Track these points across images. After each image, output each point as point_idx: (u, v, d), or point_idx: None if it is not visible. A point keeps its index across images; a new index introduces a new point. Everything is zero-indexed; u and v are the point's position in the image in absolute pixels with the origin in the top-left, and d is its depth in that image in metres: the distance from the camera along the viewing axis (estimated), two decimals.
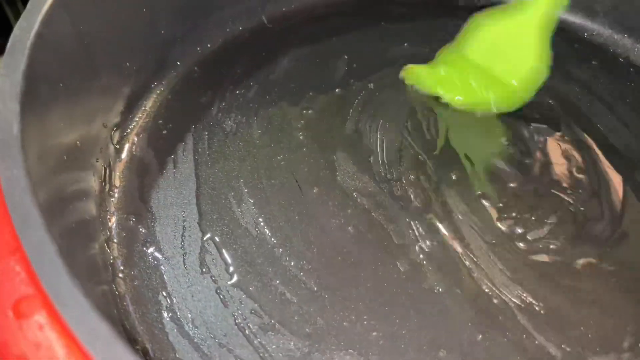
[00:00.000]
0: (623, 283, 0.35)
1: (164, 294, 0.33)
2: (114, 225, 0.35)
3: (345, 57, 0.48)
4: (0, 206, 0.23)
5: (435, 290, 0.34)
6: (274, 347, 0.31)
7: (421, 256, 0.35)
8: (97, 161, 0.36)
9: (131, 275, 0.33)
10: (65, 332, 0.18)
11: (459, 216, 0.37)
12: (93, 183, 0.35)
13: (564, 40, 0.50)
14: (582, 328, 0.33)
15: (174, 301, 0.32)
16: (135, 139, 0.40)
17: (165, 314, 0.32)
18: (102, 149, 0.37)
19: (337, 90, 0.45)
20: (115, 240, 0.34)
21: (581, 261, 0.36)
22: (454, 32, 0.48)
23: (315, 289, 0.34)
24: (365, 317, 0.33)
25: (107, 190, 0.36)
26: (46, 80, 0.28)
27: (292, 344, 0.31)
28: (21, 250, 0.20)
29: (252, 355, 0.31)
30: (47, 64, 0.28)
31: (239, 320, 0.32)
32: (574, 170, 0.41)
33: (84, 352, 0.18)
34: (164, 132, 0.41)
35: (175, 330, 0.31)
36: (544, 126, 0.43)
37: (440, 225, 0.37)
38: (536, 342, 0.32)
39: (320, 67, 0.47)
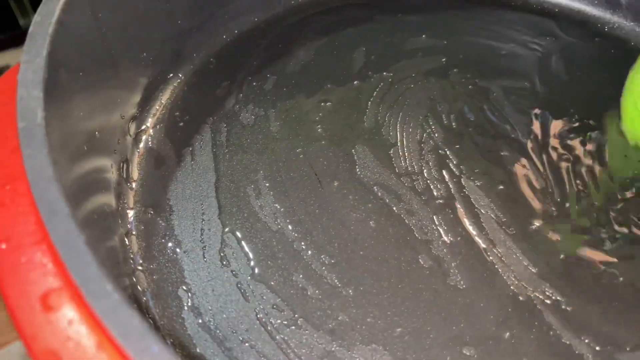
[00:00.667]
0: None
1: (184, 288, 0.32)
2: (133, 218, 0.34)
3: (363, 48, 0.47)
4: (22, 196, 0.23)
5: (460, 287, 0.33)
6: (296, 342, 0.30)
7: (444, 251, 0.35)
8: (115, 152, 0.36)
9: (150, 269, 0.32)
10: (96, 325, 0.18)
11: (482, 210, 0.37)
12: (111, 175, 0.34)
13: (585, 34, 0.49)
14: (611, 325, 0.32)
15: (194, 295, 0.32)
16: (152, 131, 0.39)
17: (185, 308, 0.31)
18: (120, 141, 0.36)
19: (355, 82, 0.44)
20: (134, 233, 0.34)
21: (609, 256, 0.35)
22: (470, 24, 0.47)
23: (337, 283, 0.33)
24: (388, 312, 0.32)
25: (125, 183, 0.35)
26: (67, 69, 0.27)
27: (315, 339, 0.31)
28: (47, 240, 0.19)
29: (275, 351, 0.30)
30: (67, 52, 0.27)
31: (261, 315, 0.31)
32: (595, 168, 0.40)
33: (117, 346, 0.17)
34: (181, 124, 0.40)
35: (196, 325, 0.31)
36: (561, 117, 0.42)
37: (463, 220, 0.36)
38: (564, 340, 0.31)
39: (338, 59, 0.46)
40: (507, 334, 0.32)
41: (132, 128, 0.38)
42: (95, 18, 0.31)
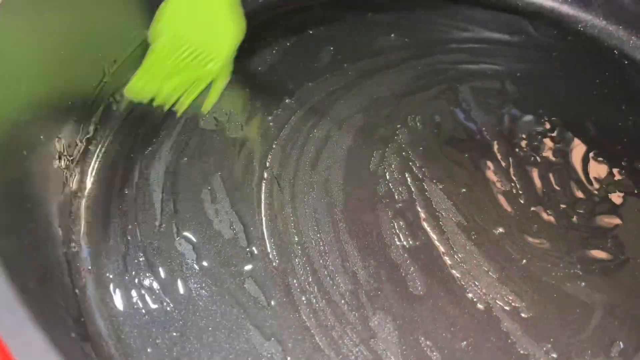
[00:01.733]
0: (613, 286, 0.33)
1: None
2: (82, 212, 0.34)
3: (331, 48, 0.46)
4: None
5: (417, 293, 0.33)
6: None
7: (404, 256, 0.34)
8: (63, 160, 0.35)
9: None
10: None
11: (444, 214, 0.36)
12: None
13: (558, 33, 0.48)
14: (569, 332, 0.31)
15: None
16: (107, 140, 0.38)
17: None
18: (71, 146, 0.36)
19: (320, 80, 0.43)
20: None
21: (569, 263, 0.34)
22: (441, 22, 0.47)
23: (291, 290, 0.32)
24: (342, 320, 0.31)
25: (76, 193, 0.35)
26: None
27: (265, 347, 0.30)
28: None
29: None
30: None
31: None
32: (564, 170, 0.39)
33: None
34: (140, 129, 0.39)
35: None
36: (531, 117, 0.41)
37: (423, 224, 0.35)
38: (522, 348, 0.31)
39: (305, 59, 0.45)
40: (464, 342, 0.31)
41: (86, 134, 0.37)
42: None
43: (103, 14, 0.37)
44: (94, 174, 0.36)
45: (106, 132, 0.38)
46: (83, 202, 0.35)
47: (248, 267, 0.33)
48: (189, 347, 0.30)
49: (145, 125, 0.39)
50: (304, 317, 0.31)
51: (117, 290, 0.32)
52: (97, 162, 0.37)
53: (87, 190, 0.36)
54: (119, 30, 0.40)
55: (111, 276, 0.32)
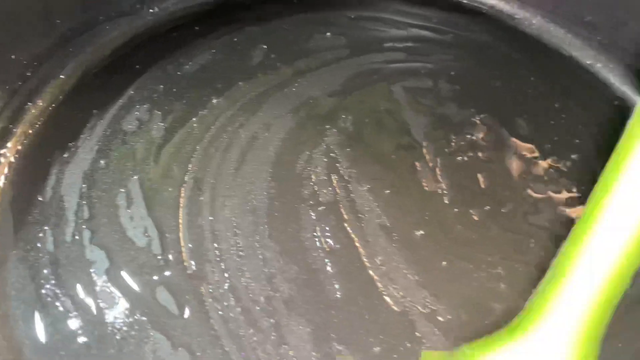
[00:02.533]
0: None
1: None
2: None
3: (264, 46, 0.45)
4: None
5: (335, 296, 0.32)
6: None
7: (325, 259, 0.33)
8: None
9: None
10: None
11: (366, 215, 0.35)
12: None
13: (492, 30, 0.48)
14: (487, 336, 0.31)
15: None
16: (25, 136, 0.37)
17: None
18: None
19: (252, 80, 0.42)
20: None
21: (491, 264, 0.34)
22: (375, 21, 0.46)
23: (204, 298, 0.31)
24: (255, 327, 0.31)
25: None
26: None
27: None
28: None
29: None
30: None
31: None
32: (492, 170, 0.39)
33: None
34: (58, 131, 0.38)
35: None
36: (462, 117, 0.41)
37: (345, 226, 0.35)
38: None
39: (237, 57, 0.44)
40: (378, 348, 0.30)
41: None
42: None
43: None
44: (6, 177, 0.35)
45: (20, 134, 0.37)
46: None
47: (161, 275, 0.32)
48: (94, 358, 0.29)
49: (63, 127, 0.38)
50: (216, 326, 0.30)
51: (22, 303, 0.31)
52: (10, 166, 0.36)
53: None
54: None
55: (17, 285, 0.31)
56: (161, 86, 0.41)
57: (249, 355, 0.30)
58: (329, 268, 0.33)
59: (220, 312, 0.31)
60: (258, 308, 0.31)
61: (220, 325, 0.30)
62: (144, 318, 0.30)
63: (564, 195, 0.37)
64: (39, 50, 0.39)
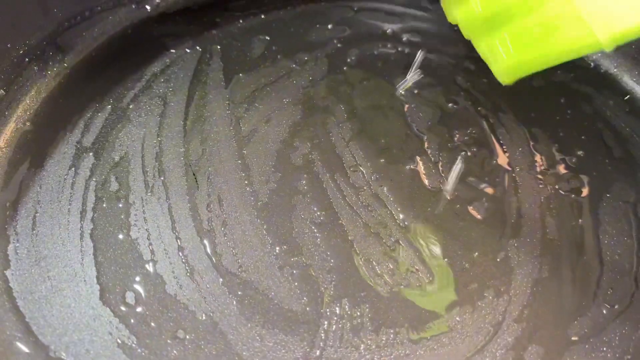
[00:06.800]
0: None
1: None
2: None
3: (266, 38, 0.44)
4: None
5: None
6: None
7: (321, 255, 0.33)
8: None
9: None
10: None
11: (362, 211, 0.35)
12: None
13: None
14: None
15: None
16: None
17: None
18: None
19: (251, 72, 0.41)
20: None
21: (492, 260, 0.33)
22: (379, 11, 0.45)
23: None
24: None
25: None
26: None
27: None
28: None
29: None
30: None
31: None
32: (493, 164, 0.38)
33: None
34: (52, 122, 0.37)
35: None
36: (467, 110, 0.40)
37: (342, 223, 0.34)
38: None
39: (237, 50, 0.43)
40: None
41: None
42: None
43: None
44: None
45: (12, 126, 0.36)
46: None
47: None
48: None
49: (59, 118, 0.37)
50: None
51: None
52: None
53: None
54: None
55: None
56: (159, 77, 0.40)
57: None
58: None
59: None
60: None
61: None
62: None
63: (571, 190, 0.37)
64: (35, 40, 0.38)
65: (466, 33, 0.33)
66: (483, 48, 0.33)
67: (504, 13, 0.31)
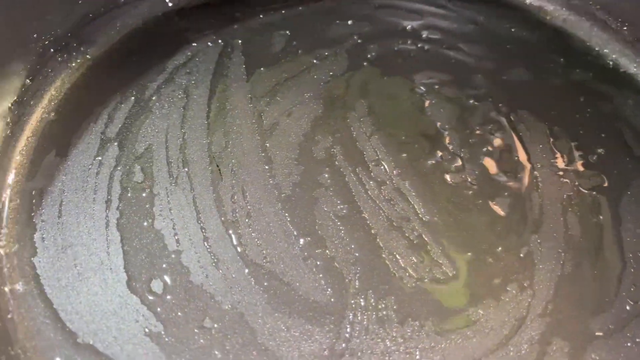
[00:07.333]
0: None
1: None
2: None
3: (287, 33, 0.45)
4: None
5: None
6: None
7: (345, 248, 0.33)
8: None
9: None
10: None
11: (384, 205, 0.35)
12: None
13: (522, 23, 0.47)
14: None
15: None
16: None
17: None
18: None
19: (272, 67, 0.42)
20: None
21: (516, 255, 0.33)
22: (395, 10, 0.45)
23: None
24: None
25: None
26: None
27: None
28: None
29: None
30: None
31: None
32: (513, 160, 0.38)
33: None
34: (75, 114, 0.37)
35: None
36: (487, 108, 0.40)
37: (365, 215, 0.34)
38: None
39: (258, 44, 0.44)
40: None
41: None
42: None
43: None
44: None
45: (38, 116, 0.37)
46: None
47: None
48: None
49: (82, 108, 0.37)
50: None
51: None
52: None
53: None
54: None
55: None
56: (182, 70, 0.40)
57: None
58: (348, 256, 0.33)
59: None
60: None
61: None
62: None
63: (592, 188, 0.37)
64: (60, 31, 0.39)
65: None
66: None
67: None
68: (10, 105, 0.35)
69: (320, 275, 0.32)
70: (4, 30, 0.34)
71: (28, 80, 0.36)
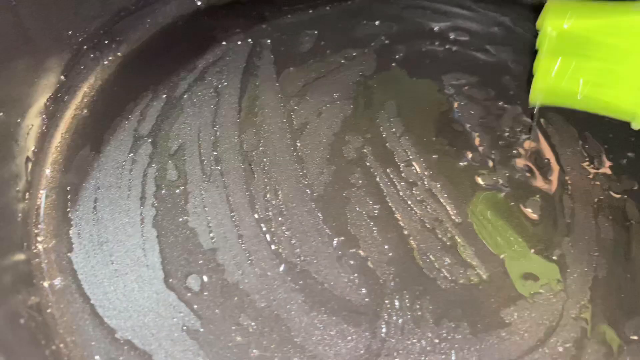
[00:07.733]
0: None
1: None
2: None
3: (315, 32, 0.45)
4: None
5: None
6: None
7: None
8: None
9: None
10: None
11: (416, 207, 0.35)
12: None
13: None
14: None
15: None
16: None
17: None
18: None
19: (301, 66, 0.42)
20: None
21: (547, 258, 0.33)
22: (422, 10, 0.45)
23: None
24: None
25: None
26: None
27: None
28: None
29: None
30: None
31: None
32: (545, 163, 0.38)
33: None
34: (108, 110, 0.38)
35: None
36: (516, 109, 0.40)
37: (397, 217, 0.34)
38: None
39: (287, 44, 0.44)
40: None
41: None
42: None
43: None
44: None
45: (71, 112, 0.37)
46: None
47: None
48: None
49: (113, 106, 0.38)
50: None
51: None
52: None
53: None
54: None
55: None
56: (212, 69, 0.41)
57: None
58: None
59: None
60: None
61: None
62: None
63: (623, 192, 0.37)
64: (92, 28, 0.39)
65: (540, 42, 0.34)
66: (543, 62, 0.33)
67: (590, 45, 0.32)
68: (46, 101, 0.36)
69: (355, 275, 0.32)
70: (41, 26, 0.34)
71: (62, 77, 0.37)
